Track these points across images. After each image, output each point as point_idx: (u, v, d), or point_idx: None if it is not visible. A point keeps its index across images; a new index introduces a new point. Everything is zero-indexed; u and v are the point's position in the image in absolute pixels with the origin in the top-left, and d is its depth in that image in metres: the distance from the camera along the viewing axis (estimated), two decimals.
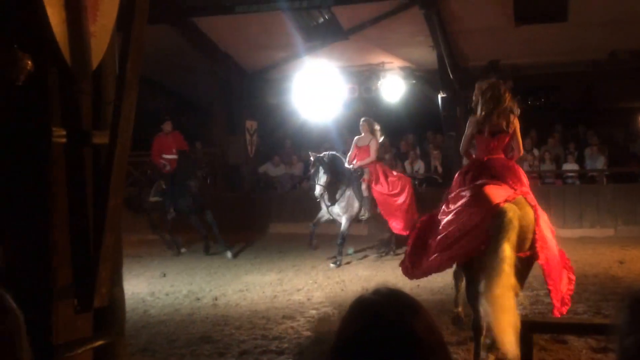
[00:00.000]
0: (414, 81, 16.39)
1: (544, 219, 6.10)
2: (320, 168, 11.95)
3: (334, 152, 12.59)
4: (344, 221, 12.21)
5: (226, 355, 6.99)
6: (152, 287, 10.35)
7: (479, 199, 5.88)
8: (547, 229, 6.10)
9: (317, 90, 15.37)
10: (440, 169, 16.78)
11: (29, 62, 3.11)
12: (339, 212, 12.28)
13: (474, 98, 6.66)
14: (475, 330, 5.98)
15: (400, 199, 12.43)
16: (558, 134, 17.41)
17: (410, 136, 18.19)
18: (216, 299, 9.51)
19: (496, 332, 5.26)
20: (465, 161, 7.62)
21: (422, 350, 1.58)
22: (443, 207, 6.45)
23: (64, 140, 3.19)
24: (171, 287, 10.36)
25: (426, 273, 6.63)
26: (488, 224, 5.65)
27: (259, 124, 17.36)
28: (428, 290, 9.50)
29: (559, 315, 6.11)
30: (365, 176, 12.36)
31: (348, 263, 12.00)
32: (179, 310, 9.00)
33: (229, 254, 12.73)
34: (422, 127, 18.44)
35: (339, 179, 12.15)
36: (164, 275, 11.26)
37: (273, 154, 17.71)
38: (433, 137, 17.92)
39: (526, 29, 14.14)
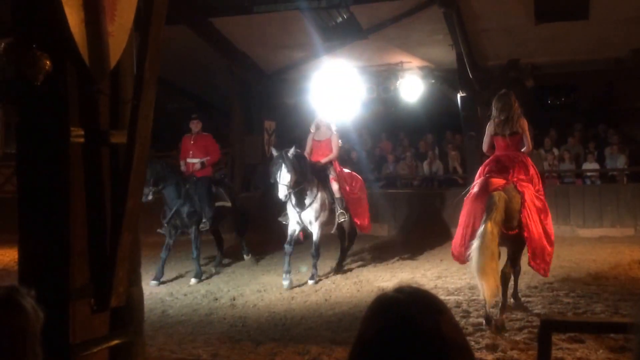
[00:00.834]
0: (432, 81, 16.26)
1: (537, 204, 7.85)
2: (284, 166, 10.14)
3: (299, 151, 10.77)
4: (315, 229, 10.68)
5: (243, 356, 7.00)
6: (170, 288, 10.39)
7: (483, 190, 7.62)
8: (535, 211, 7.76)
9: (335, 90, 15.30)
10: (460, 170, 16.70)
11: (48, 62, 3.11)
12: (310, 218, 10.63)
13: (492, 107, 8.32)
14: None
15: (363, 195, 11.67)
16: (578, 133, 17.26)
17: (429, 136, 18.13)
18: (234, 299, 9.52)
19: (480, 287, 7.28)
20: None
21: (450, 351, 1.54)
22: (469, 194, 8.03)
23: (82, 139, 3.20)
24: (189, 288, 10.40)
25: (460, 258, 8.03)
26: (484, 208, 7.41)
27: (278, 124, 17.37)
28: (445, 290, 9.47)
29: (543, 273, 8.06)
30: (333, 174, 11.12)
31: (363, 265, 11.93)
32: (197, 310, 9.03)
33: (193, 281, 10.98)
34: (441, 127, 18.34)
35: (306, 180, 10.54)
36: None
37: None
38: (452, 137, 17.83)
39: (546, 27, 13.94)
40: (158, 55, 3.35)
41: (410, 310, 1.57)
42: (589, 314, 7.92)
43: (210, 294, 9.87)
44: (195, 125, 12.02)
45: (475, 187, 7.83)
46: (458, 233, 7.98)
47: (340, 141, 11.46)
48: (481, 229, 7.22)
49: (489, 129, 8.31)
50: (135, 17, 3.46)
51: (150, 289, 10.36)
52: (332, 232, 11.25)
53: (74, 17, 3.14)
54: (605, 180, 16.05)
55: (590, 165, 16.05)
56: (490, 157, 8.25)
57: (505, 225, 7.43)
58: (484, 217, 7.29)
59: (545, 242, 7.90)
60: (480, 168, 8.26)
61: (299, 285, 10.23)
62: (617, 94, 19.71)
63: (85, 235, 3.20)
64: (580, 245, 12.73)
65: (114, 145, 3.36)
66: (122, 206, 3.24)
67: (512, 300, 8.29)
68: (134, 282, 3.54)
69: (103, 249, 3.27)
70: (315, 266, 10.62)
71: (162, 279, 10.88)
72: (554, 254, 8.43)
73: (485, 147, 8.53)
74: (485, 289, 7.18)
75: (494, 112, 8.22)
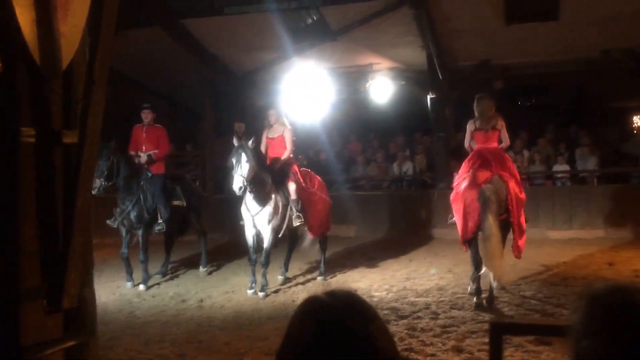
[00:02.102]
0: (403, 82, 16.31)
1: (516, 189, 8.91)
2: (244, 155, 9.57)
3: (257, 146, 10.19)
4: (267, 234, 10.03)
5: (211, 356, 6.99)
6: (138, 289, 10.33)
7: (473, 183, 8.67)
8: (516, 199, 8.81)
9: (305, 91, 15.25)
10: (426, 172, 16.74)
11: None
12: (263, 222, 9.99)
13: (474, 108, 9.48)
14: (476, 265, 8.84)
15: (322, 197, 10.99)
16: (550, 134, 17.35)
17: (400, 137, 18.16)
18: (202, 300, 9.51)
19: (492, 269, 8.44)
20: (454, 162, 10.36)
21: (381, 358, 1.51)
22: (456, 185, 9.24)
23: (33, 139, 3.17)
24: (158, 289, 10.36)
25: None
26: (477, 200, 8.49)
27: (248, 126, 17.30)
28: (414, 292, 9.51)
29: (519, 255, 9.19)
30: (291, 174, 10.49)
31: (331, 266, 11.90)
32: (164, 311, 9.01)
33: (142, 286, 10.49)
34: (411, 128, 18.40)
35: (263, 177, 9.94)
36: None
37: None
38: (420, 139, 17.86)
39: (517, 28, 13.99)
40: (109, 55, 3.33)
41: (343, 317, 1.53)
42: (557, 316, 7.99)
43: (178, 296, 9.85)
44: (146, 116, 11.19)
45: (464, 182, 8.87)
46: (460, 225, 8.91)
47: (294, 136, 10.80)
48: (485, 222, 8.37)
49: (470, 126, 9.44)
50: (89, 17, 3.42)
51: (120, 290, 10.33)
52: (280, 235, 10.39)
53: (24, 17, 3.11)
54: (575, 181, 16.15)
55: (560, 167, 16.13)
56: (472, 152, 9.31)
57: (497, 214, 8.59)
58: (484, 211, 8.42)
59: (523, 227, 9.16)
60: (464, 163, 9.26)
61: (267, 286, 10.17)
62: (588, 95, 19.87)
63: (36, 235, 3.17)
64: (550, 247, 12.79)
65: (67, 145, 3.33)
66: (72, 206, 3.22)
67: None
68: (87, 283, 3.51)
69: (55, 249, 3.24)
70: (264, 275, 9.92)
71: (132, 280, 10.62)
72: (523, 255, 9.44)
73: (466, 143, 9.58)
74: (496, 270, 8.48)
75: (476, 112, 9.39)
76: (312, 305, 1.60)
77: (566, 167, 16.09)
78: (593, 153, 16.24)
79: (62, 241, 3.26)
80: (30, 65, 3.19)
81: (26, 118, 3.20)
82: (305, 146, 17.33)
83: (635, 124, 20.71)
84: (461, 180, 9.02)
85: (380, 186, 17.27)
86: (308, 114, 15.07)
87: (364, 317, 1.55)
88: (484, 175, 8.73)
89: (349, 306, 1.57)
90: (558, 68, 16.23)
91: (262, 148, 10.62)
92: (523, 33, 14.30)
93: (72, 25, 3.37)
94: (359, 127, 19.35)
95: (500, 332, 2.86)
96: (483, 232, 8.45)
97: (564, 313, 8.06)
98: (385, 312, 8.29)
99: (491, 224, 8.30)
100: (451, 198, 9.27)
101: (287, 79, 15.27)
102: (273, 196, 10.03)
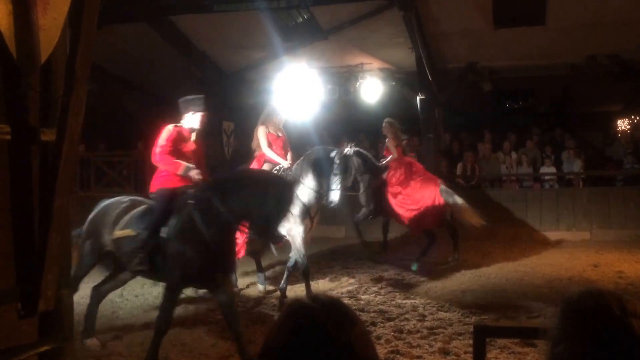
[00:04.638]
0: (393, 83, 16.28)
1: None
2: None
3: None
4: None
5: (195, 359, 6.88)
6: (121, 289, 10.14)
7: (428, 185, 11.18)
8: None
9: (296, 91, 15.13)
10: None
11: None
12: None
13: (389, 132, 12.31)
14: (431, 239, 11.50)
15: None
16: (536, 137, 17.40)
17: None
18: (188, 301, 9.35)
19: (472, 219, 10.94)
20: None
21: None
22: (394, 188, 11.54)
23: (7, 136, 3.07)
24: (141, 289, 10.19)
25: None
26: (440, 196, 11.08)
27: (237, 125, 17.19)
28: (402, 294, 9.45)
29: None
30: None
31: (320, 267, 11.83)
32: (148, 312, 8.82)
33: None
34: (401, 128, 18.32)
35: None
36: None
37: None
38: (408, 140, 17.77)
39: (505, 32, 14.09)
40: (90, 51, 3.23)
41: (322, 319, 1.53)
42: (542, 317, 7.96)
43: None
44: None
45: (418, 184, 11.29)
46: (418, 218, 11.03)
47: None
48: (452, 198, 11.00)
49: (395, 143, 11.93)
50: (70, 11, 3.32)
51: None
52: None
53: (0, 9, 3.02)
54: (562, 184, 16.22)
55: (547, 169, 16.19)
56: (398, 162, 11.71)
57: None
58: (450, 196, 11.04)
59: None
60: (397, 170, 11.62)
61: (253, 288, 10.07)
62: (573, 99, 19.97)
63: (10, 236, 3.07)
64: (537, 249, 12.83)
65: (44, 143, 3.23)
66: (49, 206, 3.11)
67: None
68: (64, 285, 3.40)
69: (30, 251, 3.14)
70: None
71: None
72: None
73: (396, 156, 11.77)
74: (474, 218, 10.89)
75: (392, 134, 12.17)
76: (294, 308, 1.61)
77: (553, 170, 16.13)
78: (578, 156, 16.34)
79: (38, 241, 3.16)
80: (6, 59, 3.08)
81: (1, 114, 3.11)
82: (296, 146, 17.23)
83: (619, 128, 20.88)
84: (413, 182, 11.36)
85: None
86: (299, 113, 14.97)
87: (345, 323, 1.55)
88: (433, 178, 11.44)
89: (329, 309, 1.57)
90: (544, 72, 16.28)
91: (264, 142, 9.80)
92: (511, 37, 14.38)
93: (52, 18, 3.26)
94: (349, 127, 19.27)
95: (484, 334, 2.84)
96: (455, 201, 10.96)
97: (549, 315, 8.01)
98: (372, 314, 8.22)
99: (456, 197, 11.01)
100: (400, 199, 11.40)
101: (278, 78, 15.15)
102: None
